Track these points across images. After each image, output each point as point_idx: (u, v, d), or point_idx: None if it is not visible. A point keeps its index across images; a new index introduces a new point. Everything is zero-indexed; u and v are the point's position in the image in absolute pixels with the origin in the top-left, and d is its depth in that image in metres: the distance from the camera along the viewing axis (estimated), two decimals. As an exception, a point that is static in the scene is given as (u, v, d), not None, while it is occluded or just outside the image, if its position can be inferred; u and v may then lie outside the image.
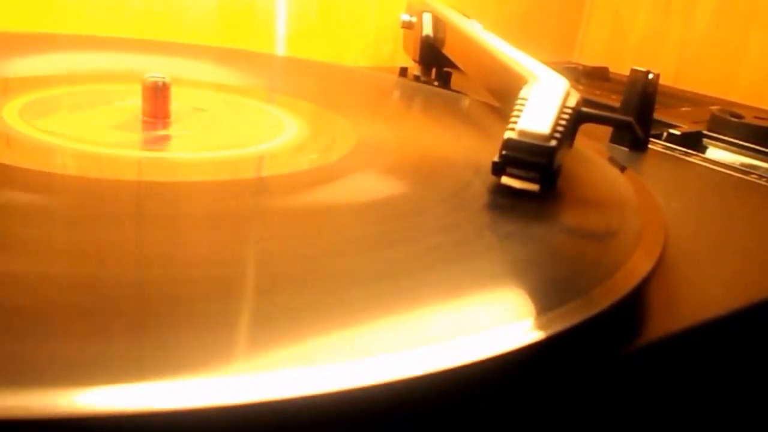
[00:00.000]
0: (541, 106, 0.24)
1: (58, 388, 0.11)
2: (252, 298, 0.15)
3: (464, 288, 0.17)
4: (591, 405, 0.18)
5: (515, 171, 0.23)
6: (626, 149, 0.37)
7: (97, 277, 0.15)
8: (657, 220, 0.23)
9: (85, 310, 0.14)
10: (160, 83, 0.28)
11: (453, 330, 0.15)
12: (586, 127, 0.26)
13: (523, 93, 0.25)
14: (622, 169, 0.30)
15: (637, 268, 0.19)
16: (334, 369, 0.13)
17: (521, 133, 0.23)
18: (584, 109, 0.25)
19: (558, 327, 0.15)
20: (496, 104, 0.36)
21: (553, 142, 0.23)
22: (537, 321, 0.15)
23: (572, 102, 0.25)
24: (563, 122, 0.24)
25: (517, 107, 0.24)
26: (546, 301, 0.17)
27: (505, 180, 0.24)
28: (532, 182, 0.23)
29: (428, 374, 0.13)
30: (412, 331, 0.14)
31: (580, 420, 0.18)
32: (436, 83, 0.46)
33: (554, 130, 0.23)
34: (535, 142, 0.23)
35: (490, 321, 0.15)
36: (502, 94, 0.33)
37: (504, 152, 0.23)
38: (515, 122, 0.24)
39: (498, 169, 0.24)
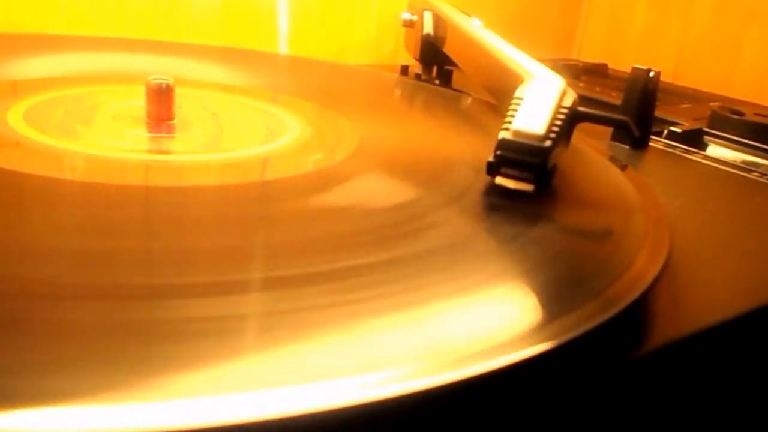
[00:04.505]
0: (536, 106, 0.24)
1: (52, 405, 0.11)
2: (252, 306, 0.15)
3: (467, 293, 0.17)
4: (595, 415, 0.18)
5: (510, 171, 0.23)
6: (627, 147, 0.37)
7: (102, 286, 0.15)
8: (661, 221, 0.23)
9: (87, 321, 0.14)
10: (164, 85, 0.27)
11: (457, 337, 0.14)
12: (587, 126, 0.26)
13: (518, 92, 0.25)
14: (623, 167, 0.29)
15: (642, 272, 0.19)
16: (343, 381, 0.12)
17: (516, 133, 0.23)
18: (580, 108, 0.25)
19: (565, 335, 0.15)
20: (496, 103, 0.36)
21: (548, 143, 0.23)
22: (544, 329, 0.15)
23: (568, 101, 0.25)
24: (558, 122, 0.24)
25: (512, 107, 0.24)
26: (552, 307, 0.16)
27: (500, 180, 0.23)
28: (527, 182, 0.23)
29: (429, 388, 0.13)
30: (409, 340, 0.14)
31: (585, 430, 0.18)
32: (437, 81, 0.46)
33: (549, 130, 0.23)
34: (530, 142, 0.23)
35: (492, 331, 0.15)
36: (500, 92, 0.33)
37: (498, 152, 0.23)
38: (510, 122, 0.23)
39: (493, 169, 0.23)
